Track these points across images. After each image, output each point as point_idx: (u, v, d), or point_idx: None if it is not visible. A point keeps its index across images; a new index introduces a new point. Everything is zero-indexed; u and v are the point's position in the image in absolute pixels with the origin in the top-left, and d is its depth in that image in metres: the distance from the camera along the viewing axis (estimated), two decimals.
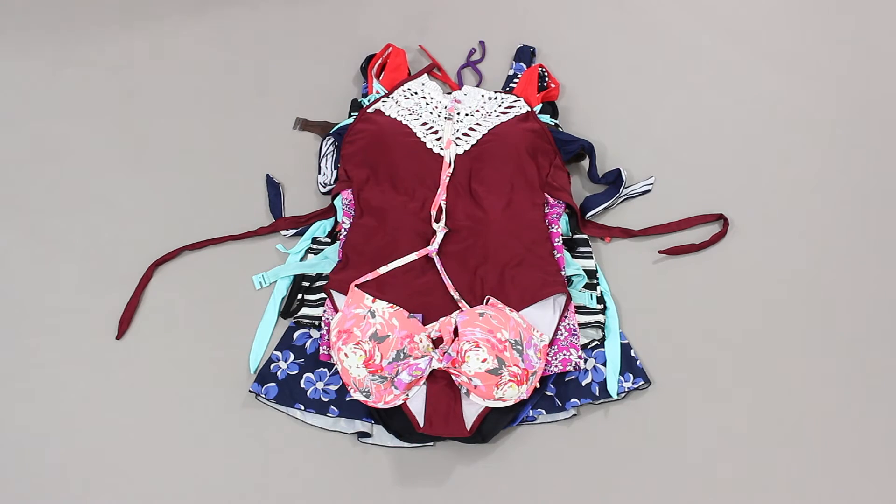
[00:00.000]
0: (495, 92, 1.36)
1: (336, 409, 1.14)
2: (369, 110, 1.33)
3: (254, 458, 1.14)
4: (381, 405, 1.09)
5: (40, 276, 1.27)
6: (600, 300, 1.21)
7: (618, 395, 1.15)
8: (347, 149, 1.29)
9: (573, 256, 1.25)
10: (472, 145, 1.28)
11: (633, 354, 1.18)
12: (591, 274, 1.23)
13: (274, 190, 1.33)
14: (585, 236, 1.27)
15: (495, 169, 1.26)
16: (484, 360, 1.06)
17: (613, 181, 1.32)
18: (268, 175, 1.35)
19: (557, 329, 1.15)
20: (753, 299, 1.25)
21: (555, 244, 1.22)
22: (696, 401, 1.17)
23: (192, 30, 1.52)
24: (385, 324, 1.10)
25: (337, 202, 1.29)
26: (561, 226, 1.26)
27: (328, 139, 1.34)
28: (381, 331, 1.09)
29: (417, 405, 1.10)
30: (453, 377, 1.09)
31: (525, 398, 1.10)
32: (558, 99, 1.42)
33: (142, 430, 1.16)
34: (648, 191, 1.34)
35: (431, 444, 1.14)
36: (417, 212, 1.24)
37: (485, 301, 1.15)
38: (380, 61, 1.42)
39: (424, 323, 1.14)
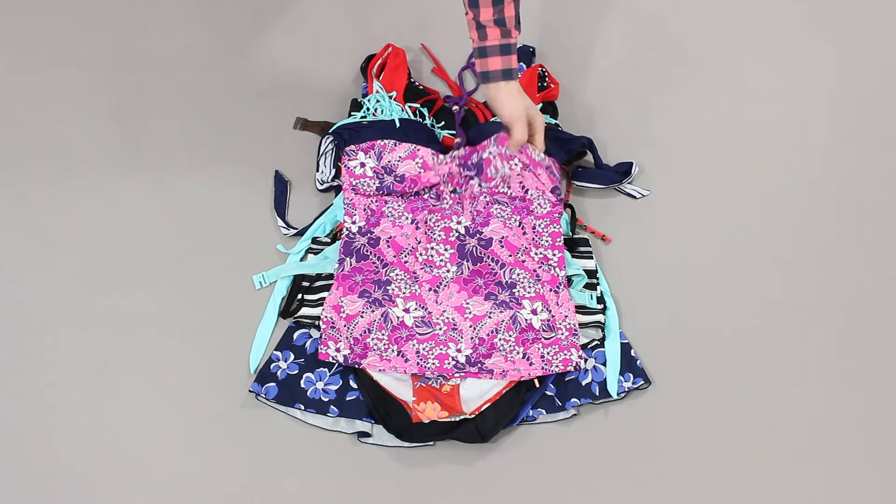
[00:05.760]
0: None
1: (336, 409, 1.14)
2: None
3: (254, 458, 1.14)
4: None
5: (40, 276, 1.27)
6: (600, 300, 1.21)
7: (618, 395, 1.15)
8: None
9: (573, 256, 1.25)
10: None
11: (633, 354, 1.18)
12: (591, 274, 1.23)
13: (281, 186, 1.33)
14: (585, 236, 1.27)
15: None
16: None
17: (623, 171, 1.32)
18: (277, 171, 1.35)
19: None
20: (753, 299, 1.25)
21: (555, 243, 1.22)
22: (696, 401, 1.17)
23: (192, 29, 1.52)
24: None
25: (337, 201, 1.29)
26: (561, 225, 1.26)
27: (327, 137, 1.34)
28: None
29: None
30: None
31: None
32: (558, 99, 1.42)
33: (142, 429, 1.16)
34: (638, 197, 1.34)
35: (431, 443, 1.14)
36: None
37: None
38: (380, 61, 1.42)
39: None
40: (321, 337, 1.17)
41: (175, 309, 1.24)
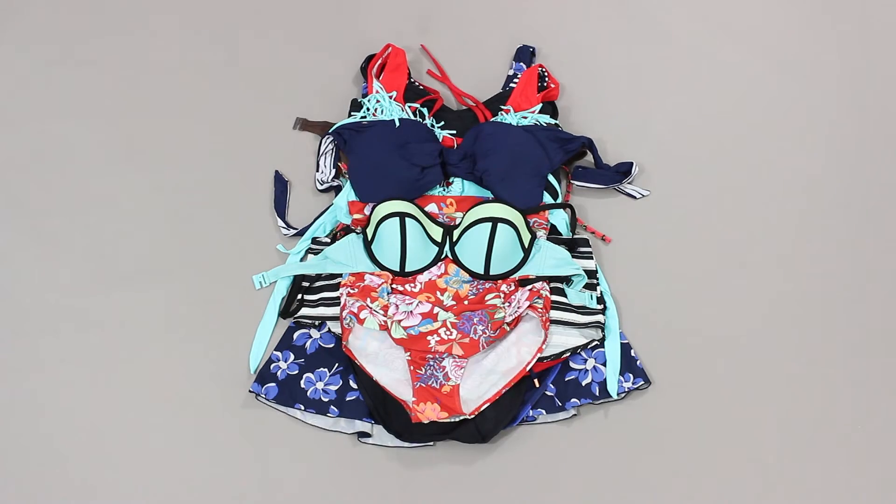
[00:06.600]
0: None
1: (336, 410, 1.14)
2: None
3: (254, 459, 1.14)
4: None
5: (40, 275, 1.27)
6: (600, 300, 1.21)
7: (618, 395, 1.15)
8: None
9: (573, 256, 1.24)
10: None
11: (633, 354, 1.19)
12: (591, 274, 1.23)
13: (281, 186, 1.33)
14: (585, 236, 1.28)
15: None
16: None
17: (624, 171, 1.32)
18: (277, 171, 1.35)
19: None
20: (754, 299, 1.25)
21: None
22: (696, 401, 1.17)
23: (192, 29, 1.52)
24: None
25: (337, 201, 1.29)
26: (561, 226, 1.26)
27: (327, 137, 1.34)
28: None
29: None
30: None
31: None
32: (558, 99, 1.42)
33: (142, 429, 1.16)
34: (638, 197, 1.34)
35: (431, 443, 1.14)
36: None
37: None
38: (380, 61, 1.42)
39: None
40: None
41: (175, 309, 1.24)
